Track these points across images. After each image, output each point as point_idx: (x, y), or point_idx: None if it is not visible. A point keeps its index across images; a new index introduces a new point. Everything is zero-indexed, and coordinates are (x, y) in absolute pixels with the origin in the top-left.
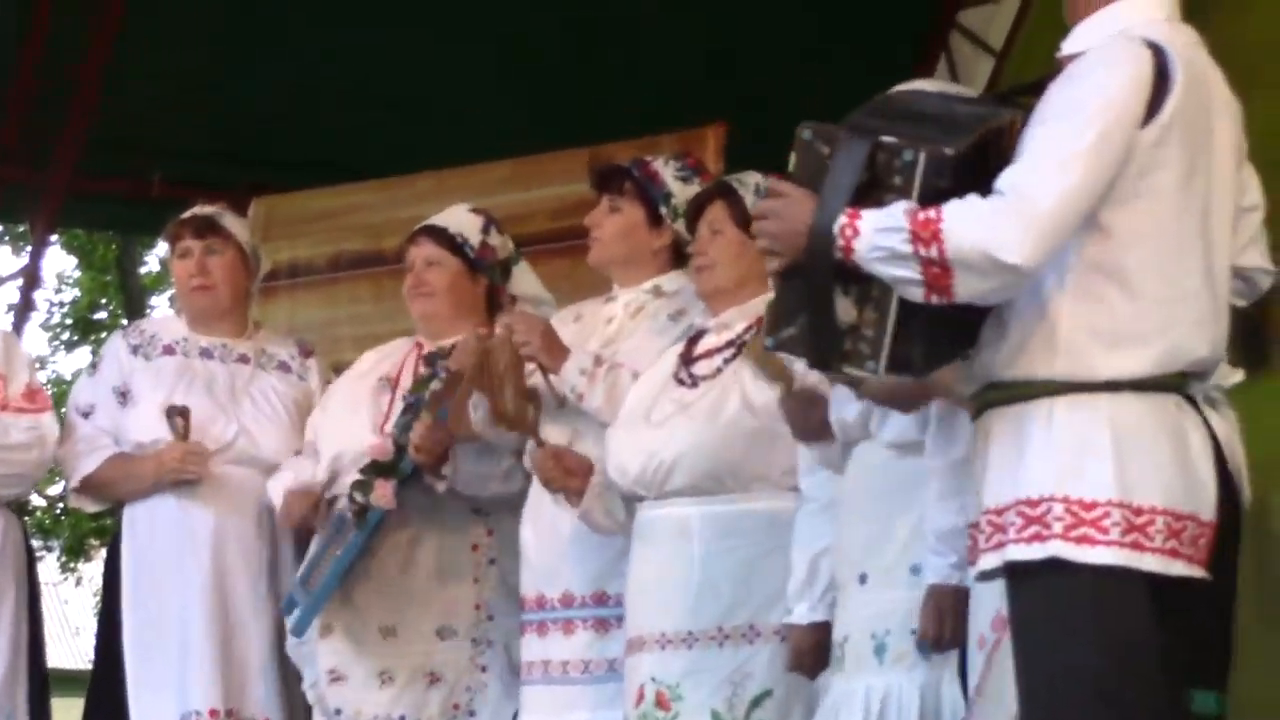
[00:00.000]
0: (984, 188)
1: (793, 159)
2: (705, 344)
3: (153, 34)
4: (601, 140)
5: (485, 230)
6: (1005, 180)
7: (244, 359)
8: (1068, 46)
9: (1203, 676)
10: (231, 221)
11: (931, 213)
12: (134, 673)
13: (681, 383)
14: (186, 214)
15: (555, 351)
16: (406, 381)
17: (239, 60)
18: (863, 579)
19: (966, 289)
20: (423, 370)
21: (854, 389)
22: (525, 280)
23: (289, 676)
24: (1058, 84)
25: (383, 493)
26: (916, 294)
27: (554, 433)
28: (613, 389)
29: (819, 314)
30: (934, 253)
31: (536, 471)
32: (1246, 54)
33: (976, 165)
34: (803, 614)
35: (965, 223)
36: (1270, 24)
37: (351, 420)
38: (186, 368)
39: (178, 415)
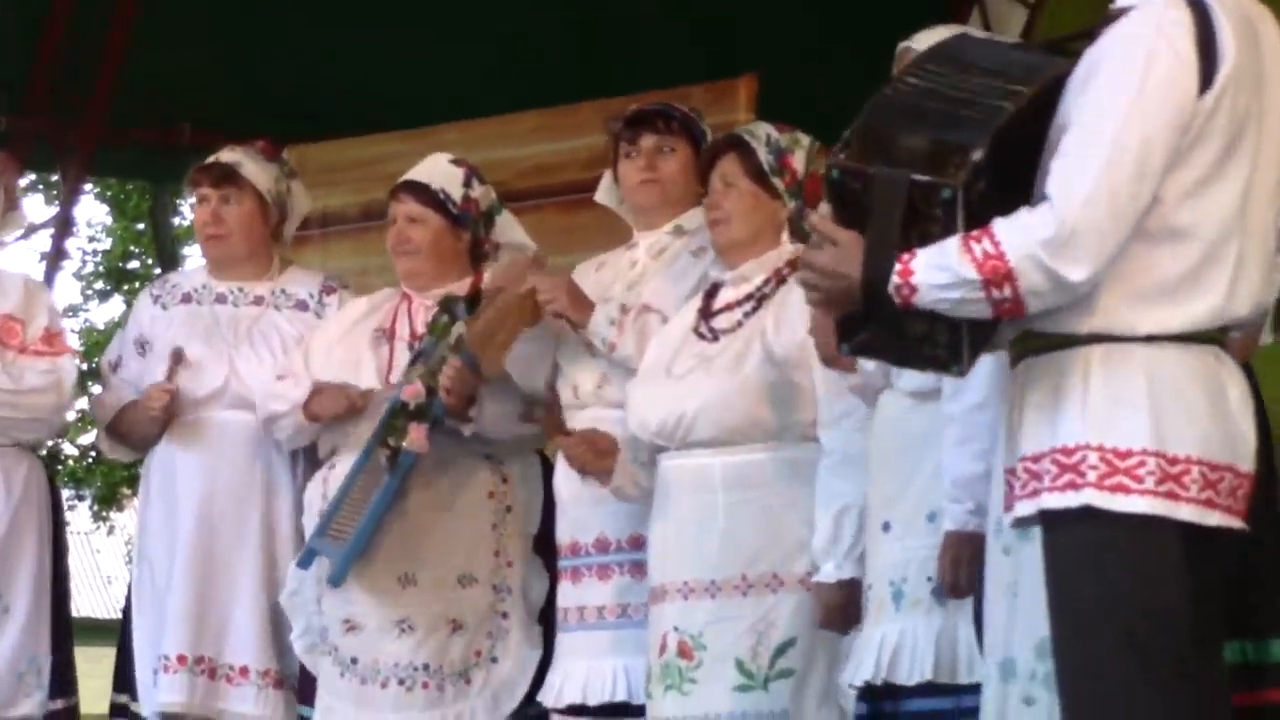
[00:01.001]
0: (1037, 145)
1: (826, 197)
2: (724, 297)
3: None
4: (635, 86)
5: (467, 183)
6: (1053, 182)
7: (258, 300)
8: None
9: (1251, 627)
10: (252, 170)
11: (989, 245)
12: (135, 619)
13: (702, 336)
14: (207, 161)
15: (581, 306)
16: (403, 331)
17: (267, 11)
18: (886, 527)
19: (1040, 308)
20: (440, 316)
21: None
22: (508, 229)
23: (282, 624)
24: (1101, 48)
25: (417, 436)
26: (985, 317)
27: (584, 377)
28: (642, 335)
29: (889, 333)
30: (1008, 293)
31: (567, 458)
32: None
33: (1027, 125)
34: (830, 572)
35: (1031, 256)
36: None
37: (353, 373)
38: (196, 315)
39: (175, 358)
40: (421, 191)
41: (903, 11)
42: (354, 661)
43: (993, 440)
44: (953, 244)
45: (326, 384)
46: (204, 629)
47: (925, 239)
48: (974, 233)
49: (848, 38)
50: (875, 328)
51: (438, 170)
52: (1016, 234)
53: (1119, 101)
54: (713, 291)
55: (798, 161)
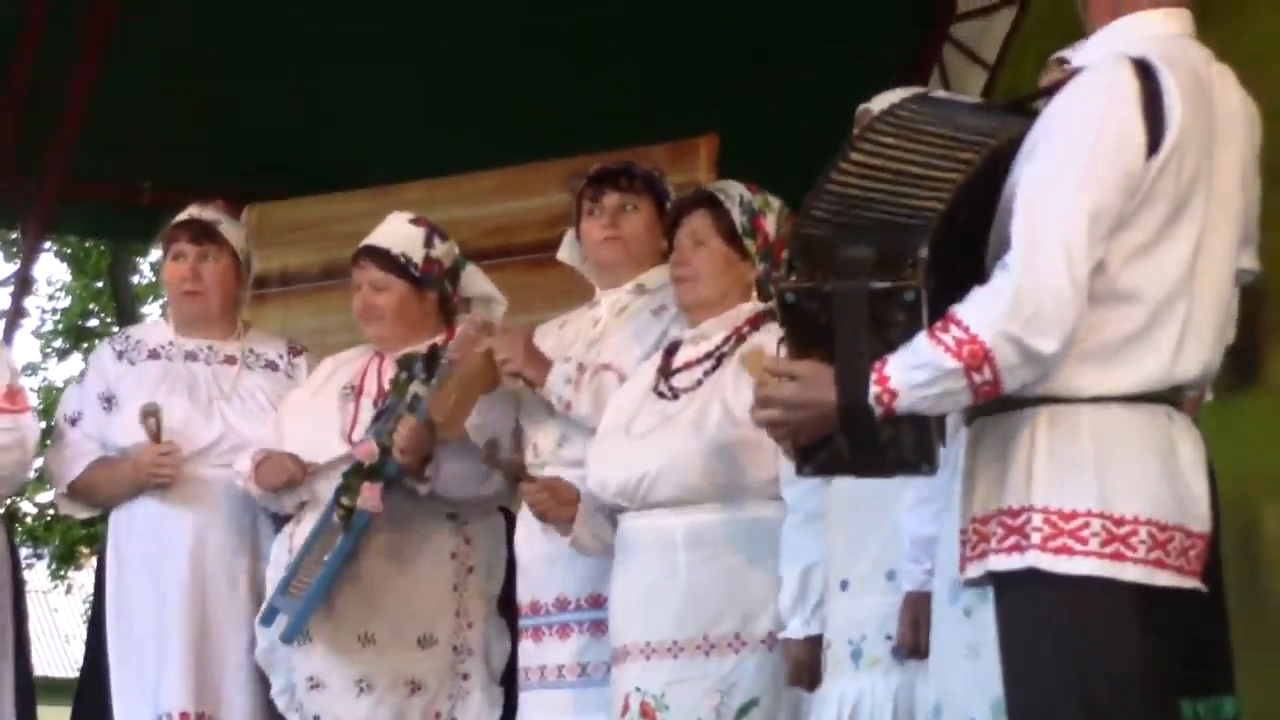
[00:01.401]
0: (987, 208)
1: (780, 320)
2: (684, 356)
3: (143, 42)
4: (597, 145)
5: (428, 243)
6: (1013, 251)
7: (230, 359)
8: (1080, 57)
9: (1202, 685)
10: (228, 228)
11: (957, 331)
12: (115, 676)
13: (662, 395)
14: (184, 216)
15: (538, 364)
16: (371, 389)
17: (229, 69)
18: (844, 585)
19: (1014, 385)
20: (399, 374)
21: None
22: (475, 282)
23: (266, 680)
24: (1048, 122)
25: (369, 495)
26: (965, 405)
27: (543, 436)
28: (598, 394)
29: (861, 446)
30: (988, 375)
31: (530, 504)
32: (1238, 65)
33: (977, 190)
34: (797, 629)
35: (1003, 332)
36: (1262, 34)
37: (319, 430)
38: (170, 371)
39: (149, 415)
40: (382, 257)
41: (901, 16)
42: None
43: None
44: (921, 340)
45: (270, 453)
46: (203, 685)
47: (889, 346)
48: (937, 325)
49: (847, 39)
50: (846, 441)
51: (397, 233)
52: (982, 312)
53: (1070, 168)
54: (672, 350)
55: (769, 224)
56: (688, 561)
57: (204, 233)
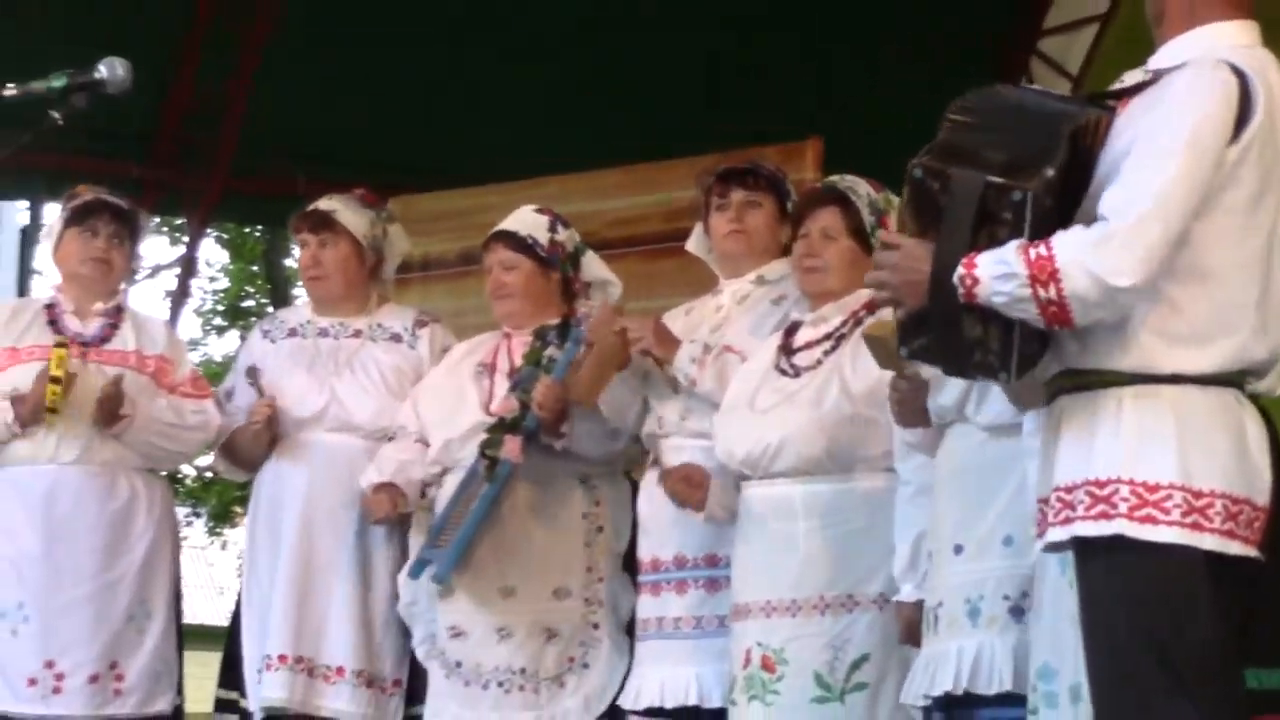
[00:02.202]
0: (1078, 179)
1: (905, 194)
2: (804, 336)
3: (298, 48)
4: (707, 150)
5: (552, 228)
6: (1110, 205)
7: (357, 334)
8: (1155, 62)
9: (1260, 654)
10: (347, 215)
11: (1043, 249)
12: (245, 623)
13: (784, 373)
14: (306, 209)
15: (667, 343)
16: (503, 365)
17: (375, 73)
18: (958, 549)
19: (1085, 317)
20: (534, 343)
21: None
22: (593, 267)
23: (374, 628)
24: (1150, 102)
25: (511, 447)
26: (1038, 323)
27: (669, 409)
28: (721, 373)
29: (947, 335)
30: (1052, 293)
31: (670, 494)
32: None
33: (1072, 163)
34: (910, 592)
35: (1079, 260)
36: None
37: (457, 407)
38: (300, 347)
39: (249, 375)
40: (511, 239)
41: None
42: (459, 665)
43: None
44: (1012, 244)
45: (384, 485)
46: (303, 631)
47: (993, 241)
48: (1035, 241)
49: (936, 57)
50: (935, 326)
51: (525, 219)
52: (1068, 239)
53: (1175, 144)
54: (792, 330)
55: (892, 222)
56: (806, 528)
57: (322, 222)
